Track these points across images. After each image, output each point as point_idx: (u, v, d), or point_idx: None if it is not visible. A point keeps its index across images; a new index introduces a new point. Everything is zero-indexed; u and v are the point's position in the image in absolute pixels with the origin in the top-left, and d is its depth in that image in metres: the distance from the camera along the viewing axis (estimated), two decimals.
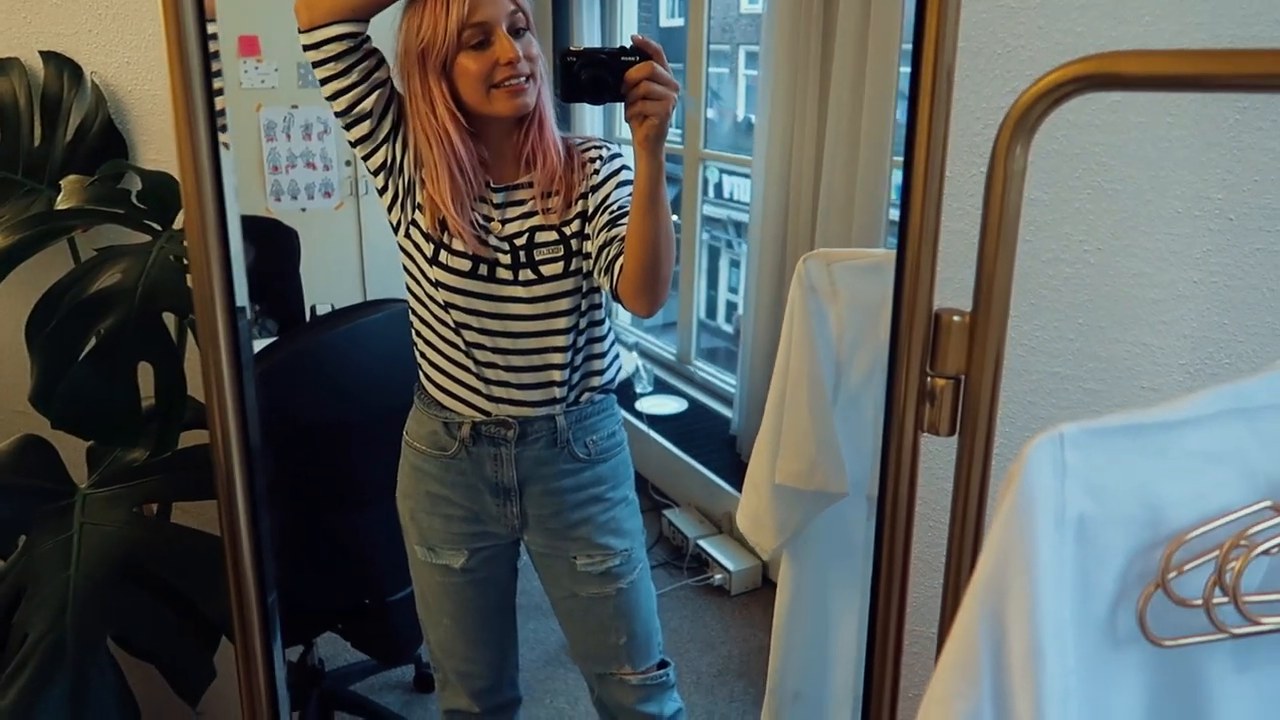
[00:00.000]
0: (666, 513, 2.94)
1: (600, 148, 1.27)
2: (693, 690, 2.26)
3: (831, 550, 1.14)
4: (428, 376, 1.33)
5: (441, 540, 1.36)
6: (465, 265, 1.22)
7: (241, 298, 0.84)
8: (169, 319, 1.15)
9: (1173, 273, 1.01)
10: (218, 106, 0.82)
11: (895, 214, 0.82)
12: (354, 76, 1.17)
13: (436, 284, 1.24)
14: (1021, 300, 1.04)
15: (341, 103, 1.18)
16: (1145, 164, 1.01)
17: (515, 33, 1.16)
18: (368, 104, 1.18)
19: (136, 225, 1.24)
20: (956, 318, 0.76)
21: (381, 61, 1.20)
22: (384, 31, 1.22)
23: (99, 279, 1.09)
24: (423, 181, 1.22)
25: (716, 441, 3.12)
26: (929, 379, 0.79)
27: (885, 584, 0.89)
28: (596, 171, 1.25)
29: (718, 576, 2.71)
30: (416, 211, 1.24)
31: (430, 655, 1.48)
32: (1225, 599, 0.51)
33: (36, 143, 1.49)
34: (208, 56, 0.83)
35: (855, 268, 1.04)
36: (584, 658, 1.43)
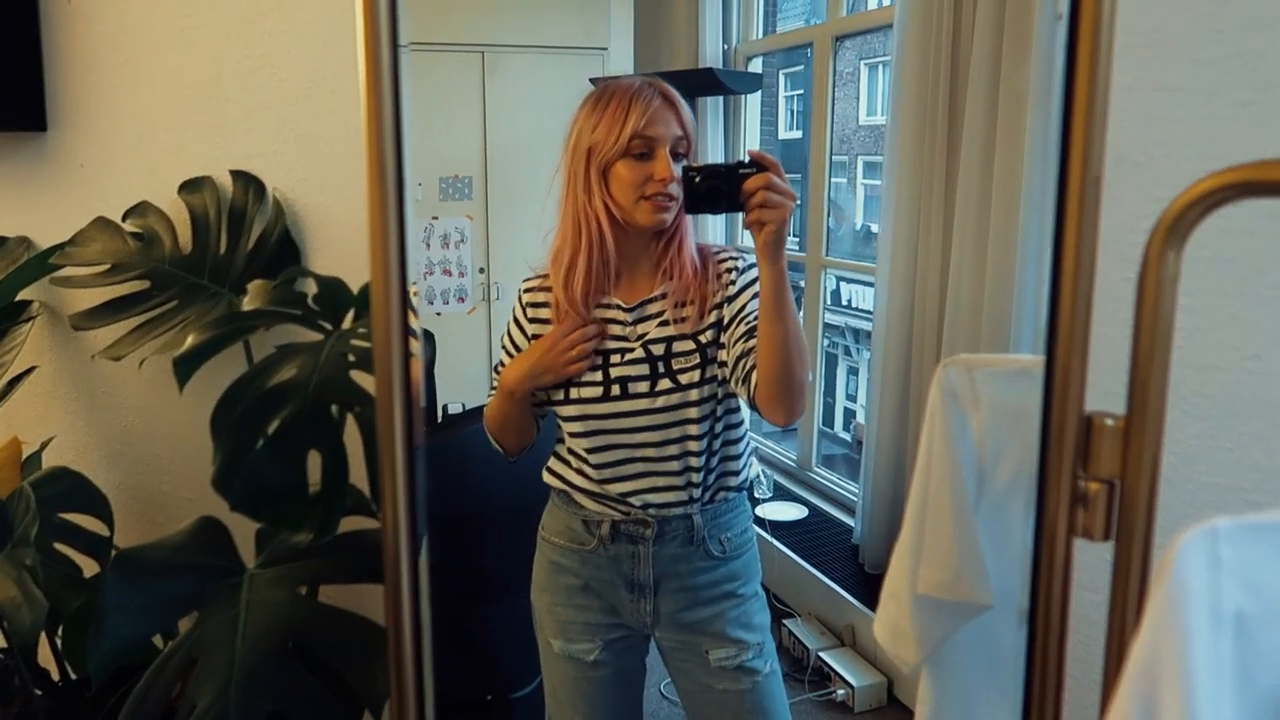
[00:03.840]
0: (786, 622, 2.88)
1: (737, 258, 1.32)
2: None
3: (976, 665, 1.10)
4: (557, 476, 1.37)
5: (576, 632, 1.38)
6: (597, 391, 1.28)
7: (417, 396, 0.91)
8: (336, 411, 1.24)
9: None
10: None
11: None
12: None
13: (570, 419, 1.31)
14: (1173, 408, 1.02)
15: None
16: None
17: (675, 156, 1.24)
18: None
19: (311, 325, 1.36)
20: (1110, 421, 0.76)
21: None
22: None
23: (277, 373, 1.19)
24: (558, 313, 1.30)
25: (838, 550, 3.07)
26: (1081, 482, 0.78)
27: (1038, 700, 0.86)
28: (733, 282, 1.29)
29: (840, 691, 2.62)
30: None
31: None
32: None
33: (222, 251, 1.65)
34: (402, 189, 0.91)
35: (998, 374, 1.03)
36: None
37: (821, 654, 2.74)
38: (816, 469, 3.60)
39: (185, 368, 1.18)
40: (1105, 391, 0.76)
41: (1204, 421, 1.02)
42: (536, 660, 2.03)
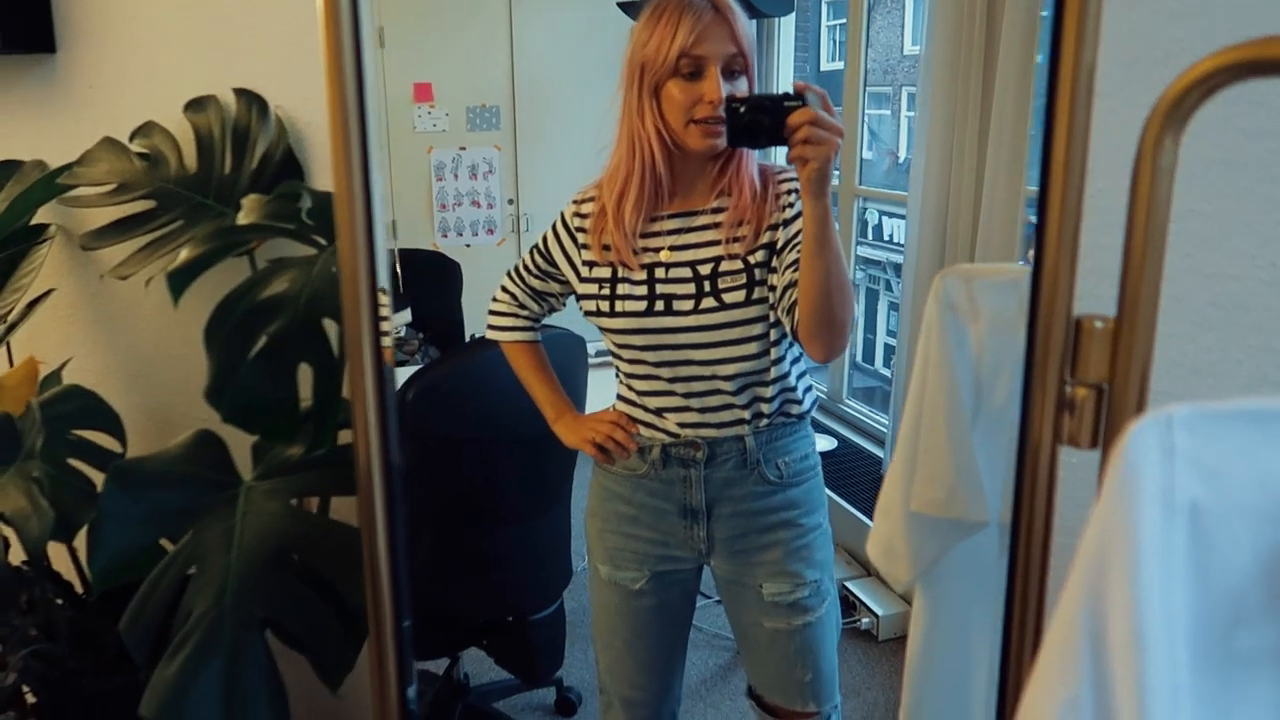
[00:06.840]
0: None
1: (797, 179, 1.26)
2: None
3: (970, 585, 1.08)
4: (618, 398, 1.35)
5: (624, 560, 1.36)
6: (640, 306, 1.24)
7: (385, 307, 0.89)
8: (329, 326, 1.24)
9: None
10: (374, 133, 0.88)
11: None
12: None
13: (615, 331, 1.27)
14: (1181, 318, 0.97)
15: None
16: None
17: (729, 74, 1.18)
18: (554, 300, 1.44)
19: (305, 240, 1.35)
20: (1099, 323, 0.72)
21: (545, 297, 1.44)
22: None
23: (269, 287, 1.18)
24: (597, 225, 1.27)
25: (867, 481, 3.05)
26: (1068, 388, 0.74)
27: (1019, 613, 0.83)
28: (790, 205, 1.23)
29: (865, 620, 2.63)
30: (591, 270, 1.28)
31: (598, 678, 1.48)
32: None
33: (226, 170, 1.64)
34: (361, 86, 0.89)
35: (997, 284, 0.99)
36: (768, 690, 1.38)
37: (848, 584, 2.74)
38: (848, 401, 3.56)
39: (178, 282, 1.18)
40: (1106, 302, 0.71)
41: (1214, 332, 0.97)
42: (556, 584, 2.04)
